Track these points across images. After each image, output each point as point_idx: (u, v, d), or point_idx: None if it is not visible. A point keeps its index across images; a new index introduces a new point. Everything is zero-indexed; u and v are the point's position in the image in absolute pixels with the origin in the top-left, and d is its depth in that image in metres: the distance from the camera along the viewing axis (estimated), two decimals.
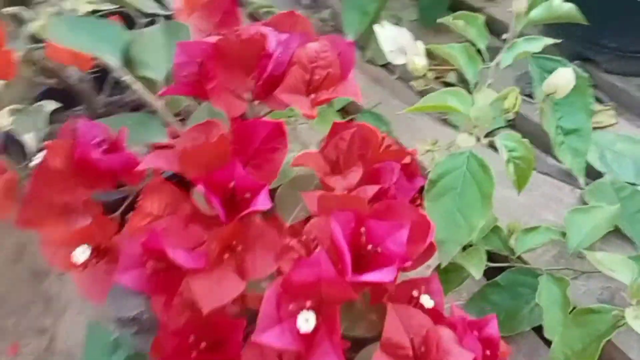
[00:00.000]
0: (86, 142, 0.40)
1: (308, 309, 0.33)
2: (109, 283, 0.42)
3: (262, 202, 0.35)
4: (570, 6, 0.64)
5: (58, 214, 0.44)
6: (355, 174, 0.40)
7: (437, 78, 1.05)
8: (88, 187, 0.42)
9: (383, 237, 0.35)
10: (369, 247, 0.34)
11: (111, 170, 0.41)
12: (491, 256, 0.68)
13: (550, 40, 0.62)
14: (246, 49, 0.40)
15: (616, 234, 0.74)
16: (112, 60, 0.45)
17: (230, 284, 0.35)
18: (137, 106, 0.64)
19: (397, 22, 1.10)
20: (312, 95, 0.41)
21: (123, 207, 0.44)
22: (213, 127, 0.40)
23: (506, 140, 0.56)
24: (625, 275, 0.55)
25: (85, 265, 0.41)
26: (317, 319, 0.33)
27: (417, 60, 0.65)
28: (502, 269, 0.71)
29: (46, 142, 0.45)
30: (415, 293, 0.40)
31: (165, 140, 0.46)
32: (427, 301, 0.41)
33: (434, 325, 0.36)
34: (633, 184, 0.81)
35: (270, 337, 0.32)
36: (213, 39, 0.41)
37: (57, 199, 0.43)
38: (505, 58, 0.62)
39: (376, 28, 1.00)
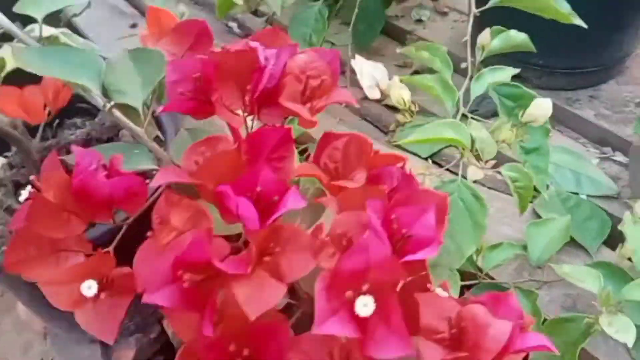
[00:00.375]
0: (85, 169, 0.39)
1: (364, 293, 0.33)
2: (117, 318, 0.40)
3: (294, 202, 0.36)
4: (524, 36, 0.70)
5: (49, 253, 0.41)
6: (362, 175, 0.41)
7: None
8: (84, 218, 0.40)
9: (412, 221, 0.36)
10: (403, 231, 0.36)
11: (112, 196, 0.40)
12: (461, 274, 0.69)
13: (514, 71, 0.67)
14: (240, 63, 0.41)
15: (569, 242, 0.78)
16: (92, 87, 0.43)
17: (272, 288, 0.35)
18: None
19: (331, 46, 1.13)
20: (308, 104, 0.42)
21: (116, 240, 0.43)
22: (219, 141, 0.40)
23: (510, 171, 0.59)
24: (592, 285, 0.60)
25: (94, 300, 0.39)
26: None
27: (404, 94, 0.67)
28: (470, 286, 0.73)
29: (35, 175, 0.42)
30: (430, 286, 0.41)
31: (153, 165, 0.45)
32: (441, 292, 0.43)
33: (465, 306, 0.37)
34: (575, 193, 0.86)
35: (330, 326, 0.32)
36: (207, 55, 0.41)
37: (48, 236, 0.40)
38: (475, 88, 0.65)
39: (353, 64, 1.03)
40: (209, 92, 0.41)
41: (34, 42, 0.47)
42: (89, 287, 0.39)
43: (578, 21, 0.71)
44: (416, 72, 1.12)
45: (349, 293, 0.33)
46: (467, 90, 0.66)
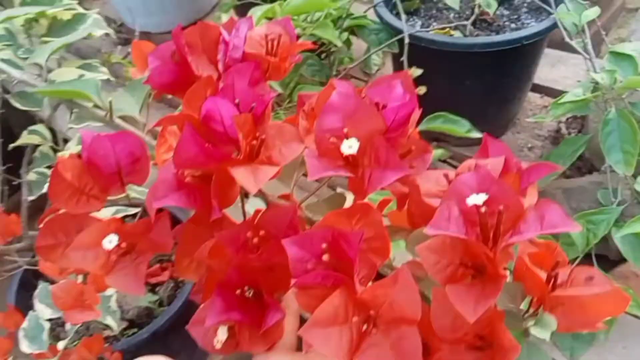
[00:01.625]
0: (92, 145, 0.43)
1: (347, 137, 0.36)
2: (141, 271, 0.42)
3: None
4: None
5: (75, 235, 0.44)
6: None
7: None
8: (100, 197, 0.44)
9: None
10: None
11: (119, 165, 0.43)
12: None
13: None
14: (205, 38, 0.47)
15: None
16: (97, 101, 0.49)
17: (265, 169, 0.37)
18: None
19: None
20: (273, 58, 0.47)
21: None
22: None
23: None
24: None
25: (114, 254, 0.41)
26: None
27: None
28: None
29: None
30: None
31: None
32: None
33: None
34: None
35: (322, 171, 0.35)
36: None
37: (73, 221, 0.44)
38: None
39: None
40: (185, 65, 0.46)
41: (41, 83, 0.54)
42: (110, 241, 0.41)
43: (475, 134, 0.96)
44: None
45: (332, 138, 0.35)
46: None
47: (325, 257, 0.34)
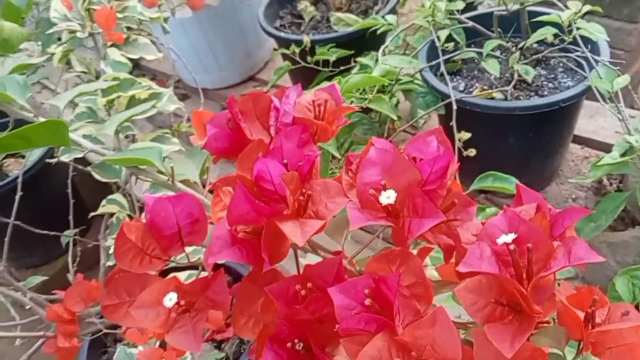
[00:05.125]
0: (153, 209, 0.43)
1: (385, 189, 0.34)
2: (200, 330, 0.41)
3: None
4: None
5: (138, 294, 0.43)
6: None
7: None
8: (162, 256, 0.43)
9: None
10: None
11: (179, 226, 0.43)
12: None
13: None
14: (257, 106, 0.47)
15: None
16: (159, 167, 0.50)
17: (312, 223, 0.36)
18: None
19: None
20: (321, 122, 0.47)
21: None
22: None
23: None
24: None
25: (174, 312, 0.40)
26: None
27: None
28: None
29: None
30: None
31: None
32: None
33: None
34: None
35: (361, 221, 0.33)
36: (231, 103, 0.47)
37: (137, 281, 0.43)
38: None
39: None
40: (240, 131, 0.46)
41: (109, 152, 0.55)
42: (170, 299, 0.40)
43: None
44: None
45: (371, 190, 0.34)
46: None
47: (367, 302, 0.33)
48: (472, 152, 1.03)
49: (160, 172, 0.51)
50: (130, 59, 1.04)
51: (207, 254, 0.37)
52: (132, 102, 1.04)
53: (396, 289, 0.32)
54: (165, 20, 1.29)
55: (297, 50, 1.33)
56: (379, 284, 0.32)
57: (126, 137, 1.07)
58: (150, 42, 1.06)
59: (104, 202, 1.13)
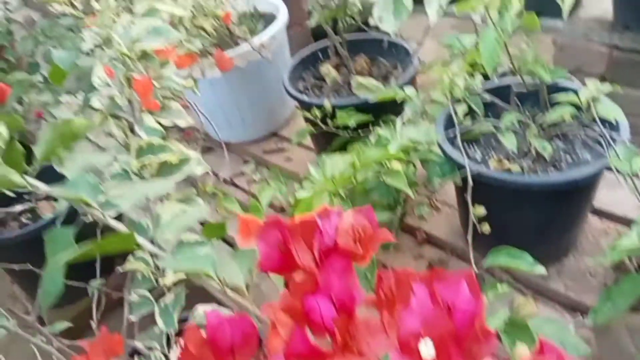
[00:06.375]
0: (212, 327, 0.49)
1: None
2: None
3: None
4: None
5: None
6: None
7: None
8: None
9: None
10: None
11: (233, 341, 0.49)
12: None
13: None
14: (305, 229, 0.53)
15: None
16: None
17: None
18: None
19: None
20: (360, 247, 0.53)
21: None
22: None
23: None
24: None
25: None
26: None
27: None
28: None
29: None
30: None
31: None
32: None
33: None
34: None
35: None
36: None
37: None
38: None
39: None
40: (288, 252, 0.52)
41: (161, 253, 0.62)
42: None
43: (539, 270, 0.94)
44: (430, 266, 1.32)
45: (411, 340, 0.40)
46: None
47: None
48: (486, 228, 1.09)
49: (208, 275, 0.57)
50: None
51: None
52: (164, 166, 1.11)
53: None
54: (196, 81, 1.37)
55: (319, 114, 1.41)
56: None
57: None
58: (182, 108, 1.13)
59: (130, 257, 1.19)
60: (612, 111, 1.04)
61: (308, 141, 1.68)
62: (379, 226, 0.56)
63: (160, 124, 1.13)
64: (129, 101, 1.06)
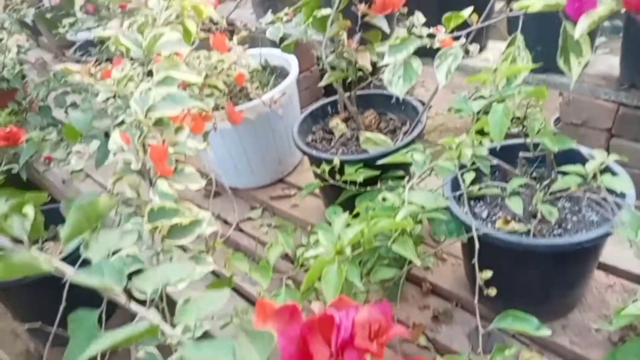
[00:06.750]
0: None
1: None
2: None
3: None
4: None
5: None
6: None
7: None
8: None
9: None
10: None
11: None
12: None
13: None
14: (322, 325, 0.56)
15: None
16: None
17: None
18: None
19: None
20: (374, 342, 0.55)
21: None
22: None
23: None
24: None
25: None
26: None
27: None
28: None
29: None
30: None
31: None
32: None
33: None
34: None
35: None
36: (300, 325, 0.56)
37: None
38: None
39: None
40: (307, 346, 0.55)
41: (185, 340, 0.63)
42: None
43: (545, 332, 0.93)
44: (435, 317, 1.33)
45: None
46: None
47: None
48: (492, 292, 1.10)
49: None
50: None
51: None
52: (175, 228, 1.14)
53: None
54: (206, 134, 1.40)
55: (327, 168, 1.44)
56: None
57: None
58: (195, 170, 1.16)
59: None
60: (618, 183, 1.06)
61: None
62: (393, 320, 0.59)
63: None
64: (143, 165, 1.09)
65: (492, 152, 1.23)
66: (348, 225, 1.10)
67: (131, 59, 1.06)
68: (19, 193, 0.66)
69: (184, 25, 1.15)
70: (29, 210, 0.66)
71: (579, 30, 0.88)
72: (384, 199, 1.20)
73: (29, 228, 0.66)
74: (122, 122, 1.10)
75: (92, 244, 0.70)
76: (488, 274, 1.10)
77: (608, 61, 1.69)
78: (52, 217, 1.36)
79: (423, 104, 1.57)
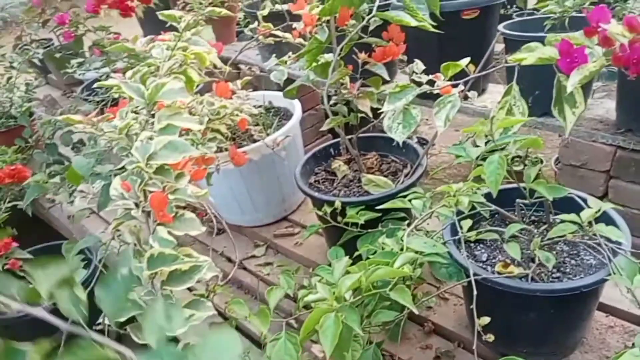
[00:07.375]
0: None
1: None
2: None
3: None
4: None
5: None
6: None
7: None
8: None
9: None
10: None
11: None
12: None
13: None
14: None
15: None
16: None
17: None
18: None
19: None
20: None
21: None
22: None
23: None
24: None
25: None
26: None
27: None
28: None
29: None
30: None
31: None
32: None
33: None
34: None
35: None
36: None
37: None
38: None
39: None
40: None
41: None
42: None
43: None
44: (437, 358, 1.35)
45: None
46: None
47: None
48: (490, 337, 1.11)
49: None
50: None
51: None
52: (174, 273, 1.15)
53: None
54: (209, 175, 1.43)
55: (329, 209, 1.45)
56: None
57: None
58: (195, 217, 1.18)
59: None
60: (612, 232, 1.07)
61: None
62: None
63: None
64: (144, 212, 1.11)
65: (490, 197, 1.25)
66: (347, 272, 1.12)
67: (134, 110, 1.09)
68: (54, 261, 0.60)
69: (186, 74, 1.18)
70: (80, 293, 0.61)
71: (571, 84, 0.91)
72: (383, 245, 1.21)
73: (86, 313, 0.61)
74: (124, 168, 1.13)
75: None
76: (486, 320, 1.11)
77: (605, 105, 1.71)
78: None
79: (425, 142, 1.60)
